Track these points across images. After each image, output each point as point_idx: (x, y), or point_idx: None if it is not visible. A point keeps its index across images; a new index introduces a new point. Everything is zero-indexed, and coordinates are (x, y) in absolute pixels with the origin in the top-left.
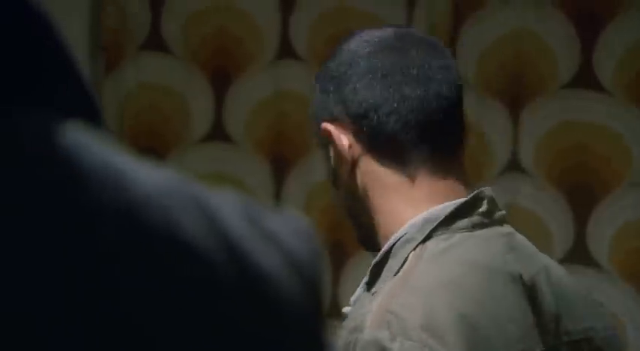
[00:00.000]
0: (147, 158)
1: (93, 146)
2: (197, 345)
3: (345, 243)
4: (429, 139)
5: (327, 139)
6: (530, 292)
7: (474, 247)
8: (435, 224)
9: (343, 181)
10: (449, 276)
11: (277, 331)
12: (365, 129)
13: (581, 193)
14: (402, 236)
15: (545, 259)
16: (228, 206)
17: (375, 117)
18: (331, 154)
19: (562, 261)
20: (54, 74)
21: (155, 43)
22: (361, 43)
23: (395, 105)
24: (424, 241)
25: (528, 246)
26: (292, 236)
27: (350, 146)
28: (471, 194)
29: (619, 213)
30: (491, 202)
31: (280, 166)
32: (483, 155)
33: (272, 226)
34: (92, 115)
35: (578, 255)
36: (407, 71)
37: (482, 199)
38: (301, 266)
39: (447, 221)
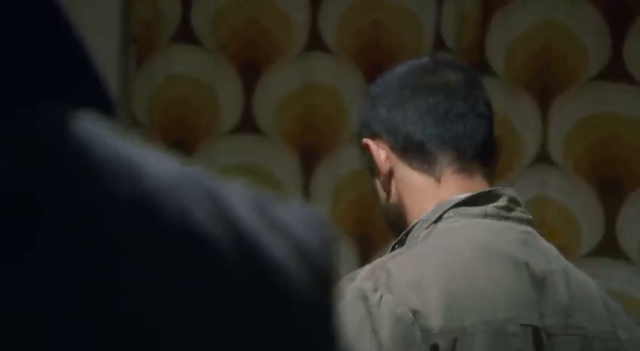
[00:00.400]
0: (176, 150)
1: (106, 138)
2: (207, 336)
3: (372, 236)
4: (454, 144)
5: (368, 154)
6: (539, 281)
7: (481, 231)
8: (447, 207)
9: (382, 192)
10: (447, 249)
11: (286, 323)
12: (398, 140)
13: (611, 186)
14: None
15: (567, 264)
16: (238, 197)
17: (405, 129)
18: (371, 168)
19: (591, 253)
20: (72, 74)
21: (185, 35)
22: (399, 67)
23: (421, 116)
24: (436, 221)
25: (549, 249)
26: (302, 226)
27: (387, 158)
28: (490, 188)
29: None
30: (513, 201)
31: (309, 158)
32: (512, 147)
33: (282, 217)
34: (109, 114)
35: (607, 247)
36: (433, 86)
37: (500, 195)
38: (311, 256)
39: (460, 206)
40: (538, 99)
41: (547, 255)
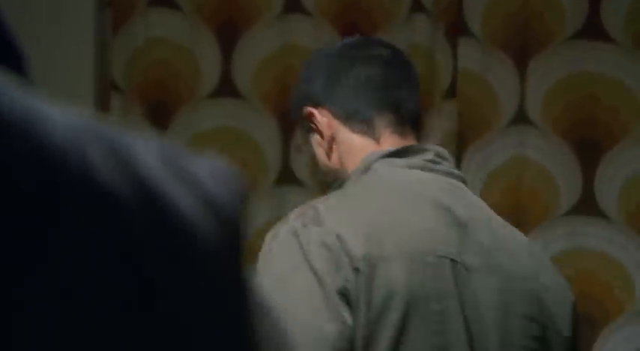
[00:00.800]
0: (155, 114)
1: (7, 90)
2: (110, 288)
3: None
4: (392, 109)
5: (310, 121)
6: (461, 224)
7: (406, 179)
8: (375, 158)
9: (324, 155)
10: (372, 191)
11: (190, 271)
12: (340, 108)
13: (589, 145)
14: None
15: (494, 216)
16: (143, 148)
17: (347, 96)
18: (312, 134)
19: (570, 212)
20: None
21: None
22: (337, 43)
23: (362, 84)
24: (365, 171)
25: (476, 201)
26: (212, 178)
27: (329, 124)
28: (416, 144)
29: (627, 164)
30: (440, 156)
31: (288, 120)
32: (490, 107)
33: (190, 169)
34: (17, 70)
35: (586, 206)
36: (370, 58)
37: (426, 150)
38: (219, 207)
39: (387, 157)
40: (515, 59)
41: (472, 205)
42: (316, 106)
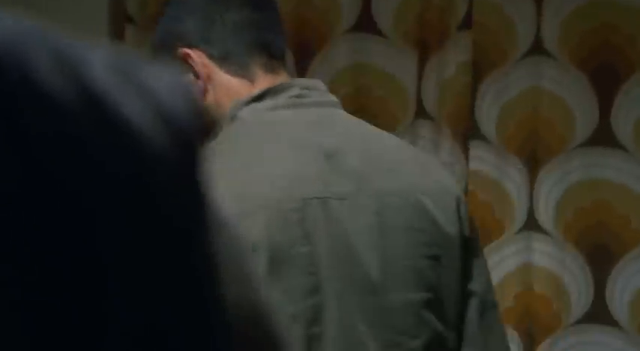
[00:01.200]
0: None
1: None
2: (60, 194)
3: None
4: (266, 50)
5: (185, 62)
6: (328, 155)
7: (269, 122)
8: (240, 105)
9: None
10: (234, 144)
11: (136, 177)
12: (216, 50)
13: (606, 74)
14: None
15: (374, 136)
16: (94, 56)
17: (223, 39)
18: (186, 75)
19: (586, 143)
20: None
21: None
22: None
23: (237, 26)
24: (230, 121)
25: (351, 125)
26: (166, 90)
27: (204, 65)
28: (280, 82)
29: None
30: (308, 87)
31: (304, 54)
32: (506, 38)
33: (145, 79)
34: None
35: (602, 137)
36: (239, 0)
37: (291, 86)
38: (172, 118)
39: (251, 102)
40: None
41: (345, 130)
42: (190, 46)
